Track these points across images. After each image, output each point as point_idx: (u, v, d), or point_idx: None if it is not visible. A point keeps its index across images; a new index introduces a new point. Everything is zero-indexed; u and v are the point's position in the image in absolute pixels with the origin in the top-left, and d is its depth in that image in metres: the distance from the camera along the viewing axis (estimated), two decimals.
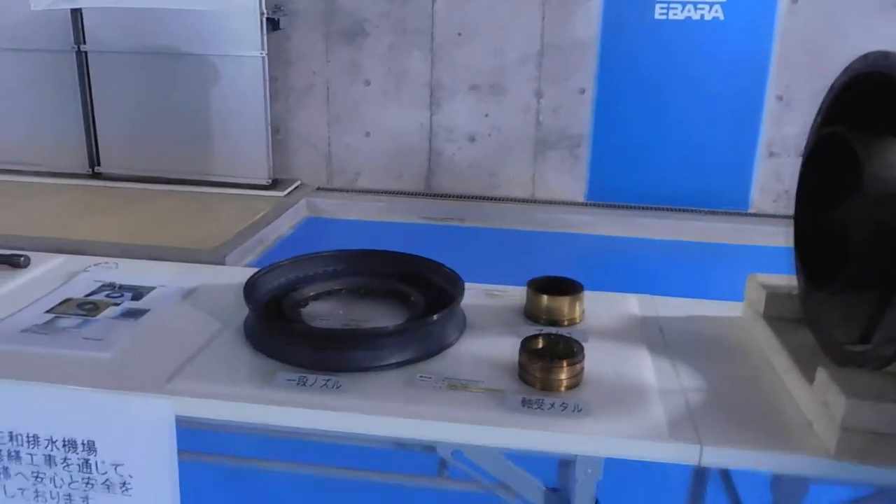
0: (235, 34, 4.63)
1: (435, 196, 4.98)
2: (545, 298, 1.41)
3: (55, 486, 1.20)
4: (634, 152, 4.82)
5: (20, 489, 1.21)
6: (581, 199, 4.92)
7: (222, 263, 3.76)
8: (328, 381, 1.16)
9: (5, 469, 1.20)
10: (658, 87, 4.66)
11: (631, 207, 4.83)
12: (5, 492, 1.22)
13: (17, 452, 1.19)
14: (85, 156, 4.93)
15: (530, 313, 1.43)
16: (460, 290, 1.34)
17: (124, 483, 1.18)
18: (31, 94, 4.89)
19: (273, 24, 4.67)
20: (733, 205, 4.81)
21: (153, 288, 1.52)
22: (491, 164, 4.91)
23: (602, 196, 4.90)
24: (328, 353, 1.20)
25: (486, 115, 4.82)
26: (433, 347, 1.27)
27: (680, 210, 4.81)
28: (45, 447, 1.18)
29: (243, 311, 1.41)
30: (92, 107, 4.85)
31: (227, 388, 1.16)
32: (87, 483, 1.19)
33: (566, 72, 4.67)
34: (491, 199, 4.94)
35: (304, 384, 1.16)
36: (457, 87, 4.79)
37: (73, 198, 4.74)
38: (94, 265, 1.58)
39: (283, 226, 4.50)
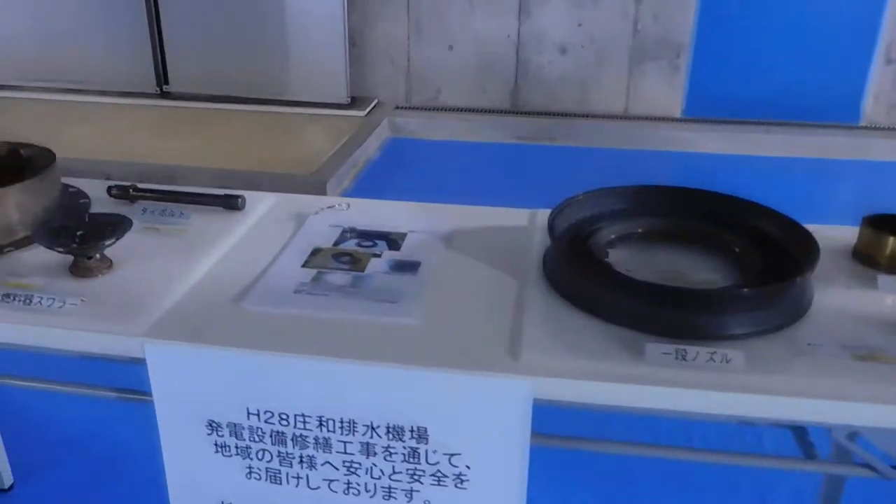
0: None
1: (521, 113, 4.68)
2: (892, 241, 1.19)
3: (372, 478, 1.01)
4: (738, 61, 4.48)
5: (327, 480, 1.03)
6: (678, 113, 4.62)
7: (323, 190, 3.54)
8: (713, 353, 0.95)
9: (310, 458, 1.02)
10: None
11: (732, 122, 4.53)
12: (308, 483, 1.03)
13: (328, 440, 1.00)
14: (152, 73, 4.63)
15: (865, 256, 1.21)
16: (811, 241, 1.11)
17: (459, 475, 0.99)
18: (95, 7, 4.56)
19: None
20: (841, 117, 4.50)
21: (403, 234, 1.30)
22: (583, 77, 4.59)
23: (700, 110, 4.59)
24: (701, 318, 0.99)
25: (580, 25, 4.47)
26: (802, 308, 1.05)
27: (783, 124, 4.51)
28: (364, 434, 0.99)
29: (526, 258, 1.21)
30: (158, 20, 4.52)
31: (588, 363, 0.96)
32: (413, 475, 1.00)
33: None
34: (581, 116, 4.65)
35: (683, 357, 0.95)
36: None
37: (144, 119, 4.48)
38: (327, 207, 1.36)
39: (370, 148, 4.24)
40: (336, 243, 1.27)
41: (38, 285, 1.10)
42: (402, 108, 4.73)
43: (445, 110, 4.73)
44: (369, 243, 1.27)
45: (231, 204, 1.37)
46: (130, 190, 1.40)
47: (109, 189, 1.42)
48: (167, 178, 3.51)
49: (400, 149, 4.47)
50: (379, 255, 1.23)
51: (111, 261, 1.16)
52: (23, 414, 2.03)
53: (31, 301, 1.05)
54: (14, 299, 1.06)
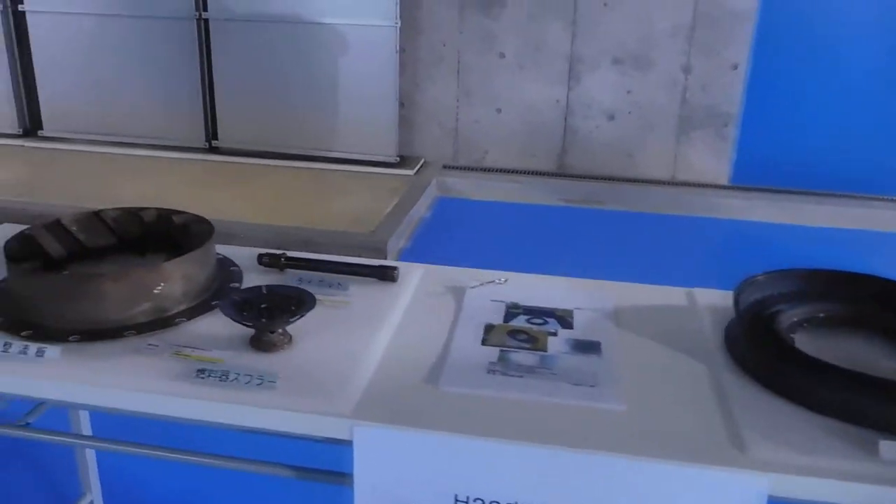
0: (366, 1, 4.35)
1: (567, 176, 4.72)
2: None
3: None
4: (785, 133, 4.54)
5: None
6: (725, 181, 4.65)
7: (384, 249, 3.53)
8: None
9: None
10: (818, 62, 4.37)
11: (779, 191, 4.56)
12: None
13: None
14: (202, 129, 4.67)
15: None
16: None
17: None
18: (148, 63, 4.62)
19: None
20: (889, 190, 4.53)
21: (570, 311, 1.29)
22: (630, 143, 4.64)
23: (748, 179, 4.63)
24: None
25: (629, 92, 4.53)
26: None
27: (833, 195, 4.52)
28: None
29: (703, 340, 1.21)
30: (211, 78, 4.58)
31: (819, 460, 0.93)
32: None
33: (719, 45, 4.38)
34: (627, 181, 4.67)
35: None
36: (598, 60, 4.50)
37: (193, 173, 4.50)
38: (487, 282, 1.35)
39: (422, 207, 4.25)
40: (506, 320, 1.25)
41: (224, 360, 1.08)
42: (449, 167, 4.77)
43: (492, 171, 4.76)
44: (539, 321, 1.25)
45: (387, 275, 1.35)
46: (282, 258, 1.39)
47: (260, 257, 1.40)
48: (226, 235, 3.48)
49: (449, 208, 4.48)
50: (555, 334, 1.21)
51: (291, 335, 1.14)
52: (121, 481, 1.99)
53: (227, 377, 1.03)
54: (209, 375, 1.03)
